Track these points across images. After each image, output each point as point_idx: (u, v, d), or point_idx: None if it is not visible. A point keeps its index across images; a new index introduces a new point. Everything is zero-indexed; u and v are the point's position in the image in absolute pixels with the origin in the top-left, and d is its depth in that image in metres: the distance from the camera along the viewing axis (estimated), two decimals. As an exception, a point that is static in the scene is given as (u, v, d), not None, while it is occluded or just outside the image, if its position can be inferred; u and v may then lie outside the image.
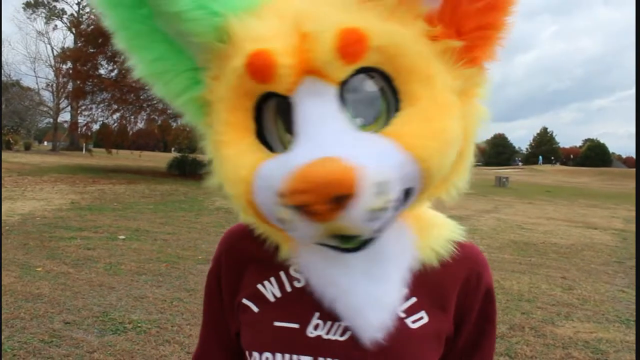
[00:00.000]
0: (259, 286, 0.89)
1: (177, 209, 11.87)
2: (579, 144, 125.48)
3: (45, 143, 58.79)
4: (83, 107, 25.36)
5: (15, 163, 21.64)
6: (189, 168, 23.12)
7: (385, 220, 0.69)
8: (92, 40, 22.53)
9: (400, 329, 0.82)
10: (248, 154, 0.74)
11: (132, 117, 24.42)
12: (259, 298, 0.89)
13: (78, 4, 40.60)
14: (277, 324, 0.85)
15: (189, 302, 4.84)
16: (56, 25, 45.02)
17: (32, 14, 44.84)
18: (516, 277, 6.58)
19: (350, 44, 0.67)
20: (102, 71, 23.64)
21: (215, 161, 0.80)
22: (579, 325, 4.77)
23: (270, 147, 0.76)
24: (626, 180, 44.84)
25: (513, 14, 0.72)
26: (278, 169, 0.68)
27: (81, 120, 26.55)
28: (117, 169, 24.02)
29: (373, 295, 0.79)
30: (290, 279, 0.88)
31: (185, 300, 4.88)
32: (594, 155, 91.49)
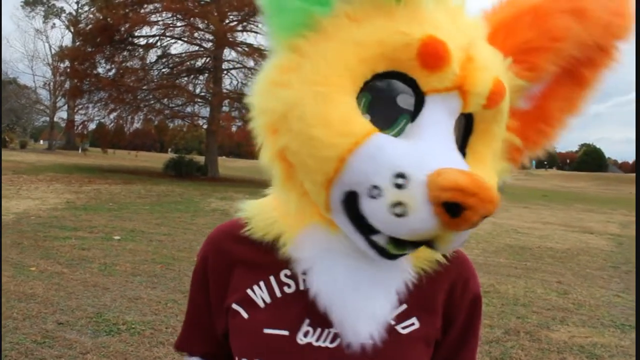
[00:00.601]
0: (249, 291, 0.86)
1: (172, 209, 11.85)
2: (575, 148, 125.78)
3: (41, 142, 58.67)
4: (80, 106, 25.34)
5: (11, 161, 21.56)
6: (185, 169, 23.07)
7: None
8: (90, 39, 22.50)
9: (391, 335, 0.80)
10: (357, 115, 0.68)
11: (129, 116, 24.40)
12: (249, 303, 0.86)
13: (77, 2, 40.50)
14: (267, 331, 0.83)
15: (183, 303, 4.79)
16: (54, 24, 44.95)
17: (30, 11, 44.80)
18: (512, 282, 6.57)
19: (498, 95, 0.72)
20: (99, 70, 23.62)
21: (302, 94, 0.69)
22: (574, 330, 4.77)
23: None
24: (622, 185, 44.95)
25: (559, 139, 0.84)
26: (408, 152, 0.66)
27: (78, 119, 26.52)
28: (113, 168, 23.96)
29: (370, 304, 0.77)
30: (281, 284, 0.85)
31: (180, 302, 4.85)
32: (590, 160, 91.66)
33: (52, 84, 41.88)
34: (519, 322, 4.87)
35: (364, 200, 0.66)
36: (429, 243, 0.67)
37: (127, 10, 21.45)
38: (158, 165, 25.20)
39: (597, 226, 14.40)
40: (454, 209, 0.61)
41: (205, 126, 24.99)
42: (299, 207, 0.78)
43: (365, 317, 0.77)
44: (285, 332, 0.82)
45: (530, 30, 0.76)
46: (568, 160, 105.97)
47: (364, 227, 0.69)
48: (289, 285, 0.85)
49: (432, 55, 0.67)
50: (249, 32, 24.32)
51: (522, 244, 10.06)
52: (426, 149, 0.66)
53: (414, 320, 0.84)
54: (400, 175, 0.64)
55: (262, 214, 0.87)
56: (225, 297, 0.89)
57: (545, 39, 0.76)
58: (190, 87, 24.82)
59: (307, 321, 0.82)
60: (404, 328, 0.83)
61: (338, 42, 0.69)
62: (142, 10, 22.19)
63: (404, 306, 0.83)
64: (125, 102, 22.83)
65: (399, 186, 0.63)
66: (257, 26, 24.00)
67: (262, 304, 0.85)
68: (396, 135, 0.69)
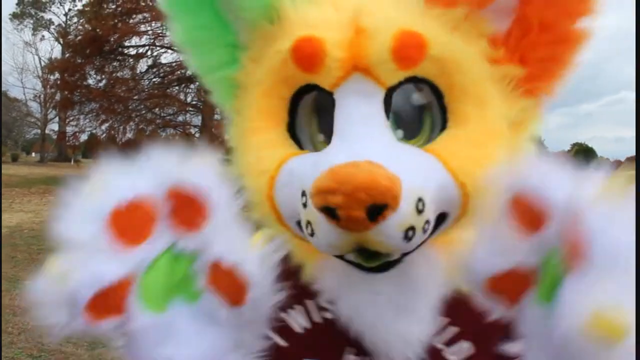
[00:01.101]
0: (285, 315, 0.78)
1: (167, 219, 11.79)
2: (567, 148, 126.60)
3: (33, 154, 58.43)
4: (71, 118, 25.30)
5: (3, 175, 21.44)
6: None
7: (419, 240, 0.61)
8: (80, 50, 22.46)
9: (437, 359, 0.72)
10: (276, 145, 0.68)
11: (121, 127, 24.33)
12: (285, 329, 0.78)
13: (66, 14, 40.44)
14: None
15: (179, 313, 4.79)
16: (43, 36, 44.78)
17: (19, 24, 44.65)
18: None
19: (408, 47, 0.62)
20: (90, 81, 23.58)
21: (237, 149, 0.73)
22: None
23: (299, 145, 0.71)
24: (614, 183, 45.09)
25: (583, 52, 0.67)
26: (309, 167, 0.62)
27: (69, 130, 26.44)
28: (106, 179, 23.86)
29: (402, 327, 0.69)
30: (319, 308, 0.77)
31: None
32: (582, 159, 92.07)
33: (42, 96, 41.75)
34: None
35: (304, 235, 0.65)
36: (369, 252, 0.62)
37: (116, 21, 21.44)
38: (151, 175, 25.12)
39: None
40: (332, 212, 0.56)
41: (197, 135, 24.96)
42: (297, 245, 0.75)
43: (399, 342, 0.69)
44: None
45: None
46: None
47: None
48: (328, 310, 0.77)
49: (304, 58, 0.65)
50: (239, 40, 24.42)
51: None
52: (321, 156, 0.63)
53: (466, 345, 0.73)
54: (303, 194, 0.62)
55: None
56: None
57: None
58: (182, 96, 24.81)
59: (348, 350, 0.75)
60: (453, 354, 0.73)
61: (250, 89, 0.72)
62: (131, 21, 22.19)
63: (454, 328, 0.74)
64: (117, 112, 22.77)
65: (304, 205, 0.62)
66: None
67: (300, 330, 0.78)
68: (420, 146, 0.66)
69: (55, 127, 38.84)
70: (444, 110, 0.67)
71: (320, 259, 0.73)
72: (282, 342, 0.77)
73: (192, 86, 25.19)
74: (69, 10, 39.00)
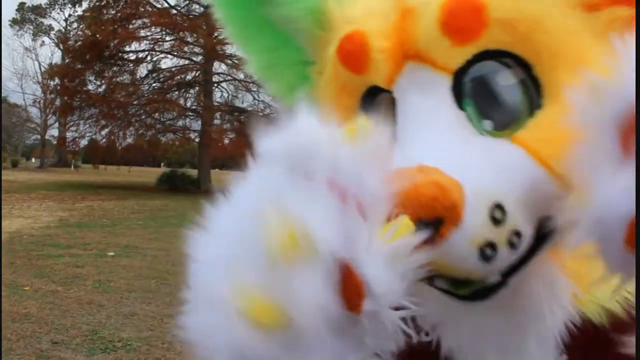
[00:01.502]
0: None
1: (167, 224, 11.77)
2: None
3: (33, 160, 58.40)
4: (71, 123, 25.31)
5: (2, 180, 21.44)
6: (179, 183, 23.00)
7: (501, 262, 0.48)
8: (79, 56, 22.51)
9: None
10: None
11: (121, 132, 24.34)
12: None
13: (65, 20, 40.53)
14: None
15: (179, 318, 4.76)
16: (43, 42, 44.93)
17: (18, 30, 44.74)
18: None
19: (459, 16, 0.51)
20: (90, 87, 23.61)
21: None
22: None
23: None
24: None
25: None
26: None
27: (69, 136, 26.46)
28: (106, 185, 23.87)
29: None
30: (417, 327, 0.61)
31: (176, 317, 4.81)
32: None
33: (42, 101, 41.79)
34: None
35: None
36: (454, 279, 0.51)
37: (115, 26, 21.48)
38: (151, 180, 25.11)
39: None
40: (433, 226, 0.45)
41: (197, 139, 24.97)
42: None
43: None
44: None
45: None
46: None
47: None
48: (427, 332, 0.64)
49: (348, 57, 0.58)
50: (238, 45, 24.40)
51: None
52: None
53: None
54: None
55: None
56: None
57: None
58: (181, 101, 24.82)
59: None
60: None
61: (320, 98, 0.65)
62: (131, 26, 22.24)
63: None
64: (117, 117, 22.78)
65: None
66: (246, 38, 24.11)
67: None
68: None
69: (55, 132, 38.88)
70: (537, 85, 0.52)
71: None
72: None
73: (191, 91, 25.23)
74: (69, 15, 39.12)
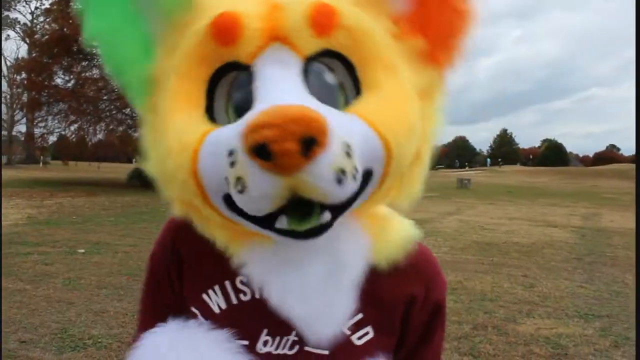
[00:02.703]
0: (204, 295, 0.84)
1: (138, 220, 11.66)
2: (538, 144, 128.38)
3: (1, 157, 57.09)
4: (39, 119, 24.78)
5: (-31, 178, 20.93)
6: (151, 179, 22.74)
7: (347, 190, 0.62)
8: (47, 50, 22.05)
9: (346, 346, 0.80)
10: (196, 124, 0.67)
11: (91, 128, 23.95)
12: (205, 309, 0.83)
13: (32, 13, 39.66)
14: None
15: (151, 315, 4.73)
16: (8, 35, 43.81)
17: (-18, 24, 43.59)
18: (479, 277, 6.67)
19: (321, 15, 0.66)
20: (58, 81, 23.16)
21: (155, 141, 0.73)
22: (540, 322, 4.86)
23: (213, 119, 0.70)
24: (583, 179, 46.12)
25: (475, 23, 0.73)
26: (231, 131, 0.62)
27: (37, 132, 25.91)
28: (76, 181, 23.49)
29: (326, 305, 0.75)
30: (237, 290, 0.82)
31: (147, 313, 4.78)
32: (552, 155, 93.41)
33: (8, 97, 40.84)
34: (487, 317, 4.94)
35: (234, 197, 0.64)
36: (304, 201, 0.62)
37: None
38: (123, 176, 24.80)
39: (560, 219, 14.73)
40: (266, 152, 0.56)
41: (169, 135, 24.73)
42: (222, 228, 0.77)
43: (324, 316, 0.75)
44: (245, 342, 0.80)
45: None
46: (531, 156, 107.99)
47: (262, 221, 0.67)
48: (244, 293, 0.82)
49: (222, 31, 0.66)
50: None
51: (488, 240, 10.22)
52: (247, 115, 0.62)
53: (368, 329, 0.82)
54: (230, 153, 0.61)
55: None
56: (182, 291, 0.88)
57: None
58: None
59: (265, 330, 0.80)
60: (359, 338, 0.81)
61: (165, 80, 0.71)
62: (100, 20, 21.87)
63: (360, 315, 0.81)
64: (86, 113, 22.42)
65: (232, 164, 0.61)
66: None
67: (217, 310, 0.83)
68: None
69: (23, 128, 38.02)
70: (356, 85, 0.70)
71: (248, 242, 0.77)
72: (202, 320, 0.82)
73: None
74: (35, 9, 38.30)
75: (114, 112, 23.40)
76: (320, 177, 0.58)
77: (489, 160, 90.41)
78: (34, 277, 6.00)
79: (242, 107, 0.66)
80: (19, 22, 42.40)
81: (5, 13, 41.59)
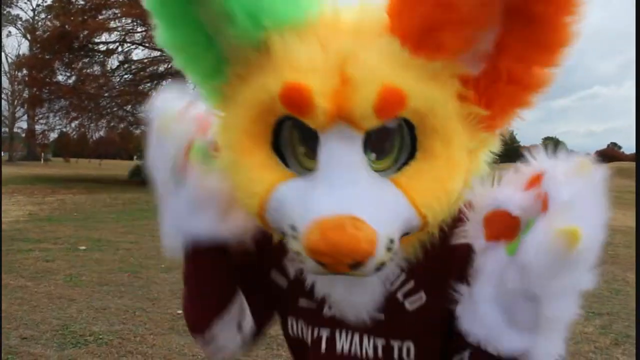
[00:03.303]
0: (280, 267, 0.98)
1: (139, 217, 11.67)
2: (539, 142, 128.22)
3: (2, 153, 57.16)
4: (40, 115, 24.78)
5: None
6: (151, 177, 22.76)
7: (387, 263, 0.72)
8: (48, 46, 22.02)
9: (399, 311, 0.89)
10: (265, 169, 0.75)
11: (92, 124, 23.95)
12: (284, 274, 0.98)
13: (33, 10, 39.61)
14: (300, 303, 0.96)
15: (151, 311, 4.75)
16: (10, 32, 43.78)
17: (-17, 20, 43.55)
18: (479, 275, 6.66)
19: (389, 104, 0.68)
20: (59, 77, 23.15)
21: (227, 162, 0.80)
22: (541, 320, 4.86)
23: (284, 160, 0.77)
24: (584, 177, 45.94)
25: (544, 93, 0.75)
26: (298, 205, 0.71)
27: (38, 128, 25.92)
28: (77, 178, 23.51)
29: (366, 298, 0.87)
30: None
31: (148, 309, 4.79)
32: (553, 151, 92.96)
33: (9, 93, 40.83)
34: (487, 314, 4.94)
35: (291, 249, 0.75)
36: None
37: (85, 17, 21.06)
38: (124, 172, 24.83)
39: (560, 217, 14.70)
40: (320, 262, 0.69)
41: (170, 132, 24.69)
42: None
43: (361, 308, 0.88)
44: (314, 306, 0.93)
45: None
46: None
47: None
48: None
49: (294, 104, 0.69)
50: (211, 36, 24.18)
51: (489, 237, 10.20)
52: (313, 196, 0.70)
53: (421, 294, 0.89)
54: (293, 228, 0.72)
55: None
56: (267, 268, 1.00)
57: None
58: (154, 93, 24.48)
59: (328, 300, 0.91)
60: (411, 304, 0.89)
61: (234, 106, 0.78)
62: (101, 17, 21.82)
63: (411, 282, 0.89)
64: (87, 109, 22.41)
65: (294, 237, 0.71)
66: (219, 29, 23.88)
67: (292, 276, 0.97)
68: (388, 166, 0.75)
69: (24, 125, 38.04)
70: (413, 138, 0.73)
71: None
72: (282, 283, 0.99)
73: (164, 83, 24.91)
74: (37, 5, 38.24)
75: (115, 109, 23.41)
76: (363, 274, 0.70)
77: None
78: (35, 273, 6.01)
79: (307, 144, 0.75)
80: (20, 18, 42.42)
81: (7, 9, 41.59)
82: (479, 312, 0.76)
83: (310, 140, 0.73)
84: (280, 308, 1.02)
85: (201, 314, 0.97)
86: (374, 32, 0.70)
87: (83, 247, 7.68)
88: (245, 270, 1.00)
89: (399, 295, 0.89)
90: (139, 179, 22.17)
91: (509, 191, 0.74)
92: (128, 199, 15.39)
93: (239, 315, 0.98)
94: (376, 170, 0.73)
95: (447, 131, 0.72)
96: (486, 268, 0.76)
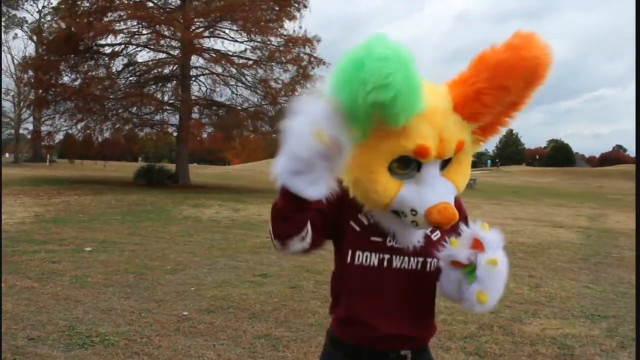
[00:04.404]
0: (357, 218, 1.54)
1: (144, 219, 11.71)
2: (544, 144, 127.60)
3: (7, 155, 57.30)
4: (46, 117, 24.85)
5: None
6: (156, 177, 22.79)
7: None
8: (54, 48, 22.12)
9: (427, 239, 1.56)
10: (390, 181, 1.37)
11: (97, 126, 24.01)
12: (359, 224, 1.54)
13: (39, 12, 39.82)
14: (372, 239, 1.52)
15: (157, 312, 4.76)
16: (16, 34, 44.02)
17: (-10, 22, 43.71)
18: (484, 277, 6.65)
19: (460, 147, 1.38)
20: (65, 79, 23.23)
21: (356, 177, 1.42)
22: (546, 322, 4.86)
23: (390, 172, 1.38)
24: (589, 179, 45.97)
25: (514, 120, 1.47)
26: (415, 199, 1.36)
27: (44, 130, 25.97)
28: (83, 179, 23.58)
29: (417, 233, 1.53)
30: (369, 217, 1.53)
31: (154, 311, 4.80)
32: (558, 155, 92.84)
33: (15, 95, 40.97)
34: (493, 317, 4.94)
35: (407, 219, 1.41)
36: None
37: (90, 19, 21.14)
38: (129, 174, 24.87)
39: (566, 220, 14.70)
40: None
41: (175, 134, 24.76)
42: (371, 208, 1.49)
43: (414, 238, 1.52)
44: (380, 239, 1.53)
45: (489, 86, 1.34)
46: (537, 156, 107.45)
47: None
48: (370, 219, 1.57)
49: (421, 155, 1.33)
50: (216, 38, 24.19)
51: (493, 240, 10.18)
52: (424, 193, 1.35)
53: (438, 233, 1.57)
54: (413, 210, 1.37)
55: None
56: (344, 218, 1.54)
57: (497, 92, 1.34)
58: (159, 95, 24.54)
59: (389, 236, 1.53)
60: (434, 236, 1.57)
61: (373, 148, 1.35)
62: (106, 19, 21.91)
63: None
64: (92, 111, 22.47)
65: (414, 214, 1.37)
66: (223, 32, 23.88)
67: (366, 222, 1.54)
68: (409, 175, 1.38)
69: (30, 126, 38.15)
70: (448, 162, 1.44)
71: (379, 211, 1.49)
72: (357, 229, 1.54)
73: (169, 85, 24.96)
74: (43, 7, 38.45)
75: (120, 111, 23.47)
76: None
77: (489, 161, 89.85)
78: (41, 274, 6.03)
79: (399, 170, 1.38)
80: (26, 21, 42.59)
81: (13, 12, 41.74)
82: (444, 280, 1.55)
83: (408, 162, 1.37)
84: (352, 244, 1.53)
85: (283, 232, 1.37)
86: (448, 113, 1.36)
87: (89, 249, 7.71)
88: (322, 212, 1.47)
89: (428, 231, 1.55)
90: (143, 181, 22.23)
91: (459, 249, 1.45)
92: (133, 200, 15.43)
93: (305, 234, 1.40)
94: None
95: (467, 150, 1.44)
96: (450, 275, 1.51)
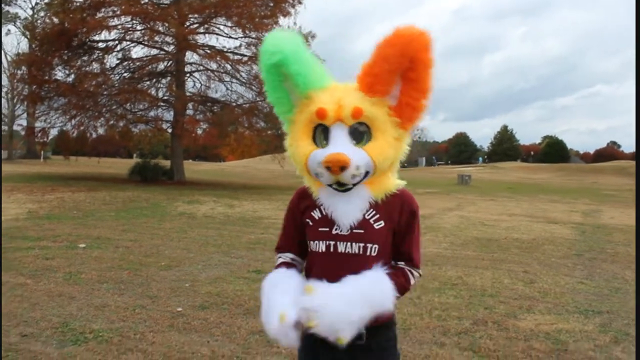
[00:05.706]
0: (312, 212, 1.83)
1: (139, 215, 11.68)
2: (538, 141, 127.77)
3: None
4: (39, 113, 24.70)
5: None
6: (151, 174, 22.73)
7: (358, 180, 1.67)
8: (47, 44, 21.98)
9: (370, 228, 1.77)
10: (307, 146, 1.69)
11: (91, 123, 23.90)
12: (312, 218, 1.83)
13: (32, 8, 39.56)
14: (320, 229, 1.80)
15: (151, 309, 4.75)
16: (9, 30, 43.68)
17: (-17, 18, 43.36)
18: (479, 273, 6.68)
19: (356, 113, 1.64)
20: (59, 74, 23.09)
21: (291, 147, 1.76)
22: (540, 318, 4.87)
23: (316, 144, 1.69)
24: (583, 175, 46.13)
25: (426, 112, 1.73)
26: (321, 154, 1.62)
27: (38, 126, 25.84)
28: (77, 176, 23.49)
29: (352, 212, 1.76)
30: (322, 210, 1.81)
31: (148, 307, 4.79)
32: (553, 151, 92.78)
33: (9, 91, 40.70)
34: (487, 312, 4.95)
35: (318, 177, 1.70)
36: (340, 183, 1.69)
37: (84, 15, 21.01)
38: (123, 171, 24.80)
39: (561, 216, 14.74)
40: (330, 169, 1.61)
41: (169, 130, 24.68)
42: (311, 182, 1.83)
43: (349, 218, 1.75)
44: (327, 229, 1.79)
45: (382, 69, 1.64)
46: (532, 153, 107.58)
47: (328, 185, 1.73)
48: (322, 211, 1.84)
49: (320, 116, 1.66)
50: (210, 34, 24.11)
51: (488, 236, 10.23)
52: (327, 150, 1.63)
53: (381, 222, 1.79)
54: (319, 164, 1.63)
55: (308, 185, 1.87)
56: (303, 216, 1.87)
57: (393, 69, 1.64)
58: (153, 91, 24.45)
59: (335, 225, 1.78)
60: (376, 224, 1.78)
61: (297, 121, 1.74)
62: (100, 14, 21.77)
63: (377, 215, 1.79)
64: (86, 108, 22.36)
65: (319, 167, 1.64)
66: (218, 28, 23.80)
67: (317, 217, 1.82)
68: (361, 146, 1.67)
69: (23, 123, 37.92)
70: (370, 133, 1.69)
71: (321, 188, 1.78)
72: (311, 223, 1.83)
73: (163, 81, 24.85)
74: (36, 4, 38.19)
75: (114, 107, 23.36)
76: (346, 177, 1.64)
77: (480, 159, 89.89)
78: (35, 271, 6.01)
79: (326, 138, 1.68)
80: (19, 17, 42.30)
81: (6, 8, 41.46)
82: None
83: (327, 134, 1.67)
84: (309, 236, 1.83)
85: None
86: (351, 88, 1.69)
87: (82, 245, 7.68)
88: (295, 231, 1.91)
89: (370, 220, 1.78)
90: (138, 178, 22.15)
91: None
92: (127, 197, 15.38)
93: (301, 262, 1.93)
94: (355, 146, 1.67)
95: (384, 127, 1.68)
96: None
